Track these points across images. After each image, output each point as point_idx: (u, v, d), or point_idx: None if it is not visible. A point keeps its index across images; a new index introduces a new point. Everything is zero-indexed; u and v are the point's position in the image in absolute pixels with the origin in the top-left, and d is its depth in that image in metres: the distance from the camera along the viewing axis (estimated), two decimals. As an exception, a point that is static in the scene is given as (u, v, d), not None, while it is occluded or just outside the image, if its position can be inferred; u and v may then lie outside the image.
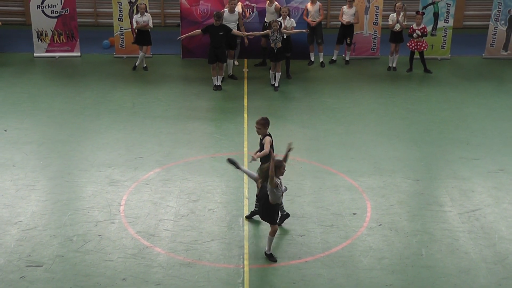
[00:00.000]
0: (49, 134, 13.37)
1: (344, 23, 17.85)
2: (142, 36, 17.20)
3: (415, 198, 11.08)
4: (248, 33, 16.36)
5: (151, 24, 17.15)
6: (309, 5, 17.78)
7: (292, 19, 16.70)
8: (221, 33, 15.63)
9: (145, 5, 17.29)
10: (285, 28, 16.07)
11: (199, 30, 15.97)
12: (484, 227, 10.15)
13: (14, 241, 9.60)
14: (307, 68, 17.95)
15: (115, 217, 10.28)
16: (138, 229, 9.99)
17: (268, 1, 17.42)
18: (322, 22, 18.26)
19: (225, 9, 16.71)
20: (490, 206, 10.77)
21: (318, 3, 17.80)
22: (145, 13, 17.07)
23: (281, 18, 16.44)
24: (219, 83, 16.11)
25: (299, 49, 17.93)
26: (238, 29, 16.69)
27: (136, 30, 17.28)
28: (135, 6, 17.84)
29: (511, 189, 11.35)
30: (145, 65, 17.51)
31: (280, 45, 15.59)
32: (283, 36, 15.75)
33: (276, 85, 16.07)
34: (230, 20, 16.42)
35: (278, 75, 16.03)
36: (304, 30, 16.64)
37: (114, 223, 10.11)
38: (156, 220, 10.23)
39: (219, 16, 15.60)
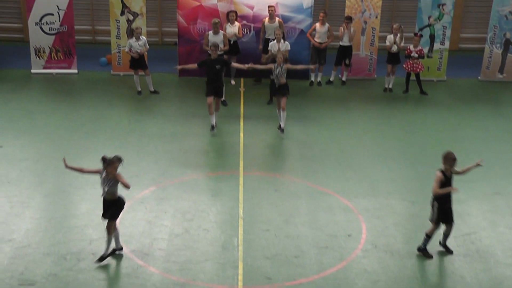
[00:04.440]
0: (45, 151, 13.34)
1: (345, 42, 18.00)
2: (139, 60, 16.87)
3: (411, 220, 11.06)
4: (248, 65, 14.86)
5: (147, 46, 17.05)
6: (318, 25, 17.85)
7: (286, 42, 16.64)
8: (217, 67, 14.47)
9: (141, 29, 17.18)
10: (279, 51, 15.97)
11: (195, 64, 14.76)
12: (480, 251, 10.12)
13: (7, 259, 9.54)
14: (304, 88, 17.99)
15: (109, 236, 10.23)
16: (132, 247, 9.94)
17: (267, 18, 17.50)
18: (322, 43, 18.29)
19: (209, 32, 16.77)
20: (486, 229, 10.75)
21: (327, 24, 17.88)
22: (141, 37, 16.91)
23: (275, 41, 16.46)
24: (215, 123, 14.51)
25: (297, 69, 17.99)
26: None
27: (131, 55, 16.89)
28: (131, 30, 17.72)
29: (507, 212, 11.35)
30: (152, 89, 17.19)
31: (284, 81, 14.36)
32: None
33: (282, 125, 14.42)
34: (214, 41, 16.38)
35: (284, 114, 14.36)
36: (311, 67, 16.42)
37: (108, 242, 10.05)
38: (151, 239, 10.18)
39: (216, 46, 14.62)
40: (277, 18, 17.56)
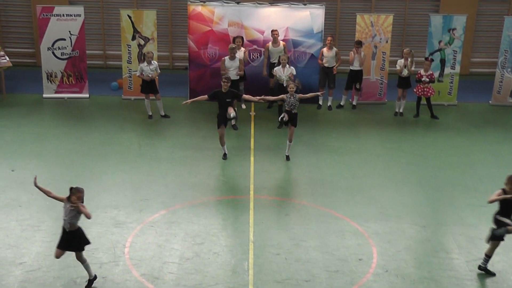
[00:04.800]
0: (56, 175, 13.38)
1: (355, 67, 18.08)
2: (150, 85, 17.01)
3: (422, 245, 10.98)
4: (260, 98, 14.65)
5: (158, 70, 17.14)
6: (325, 50, 17.95)
7: (291, 67, 16.60)
8: (228, 100, 14.18)
9: (153, 53, 17.28)
10: (291, 81, 15.99)
11: (205, 96, 14.37)
12: (492, 276, 10.02)
13: (17, 283, 9.53)
14: (315, 112, 18.01)
15: (120, 259, 10.22)
16: (143, 271, 9.91)
17: (271, 42, 17.58)
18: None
19: (225, 57, 16.85)
20: (498, 254, 10.64)
21: (334, 48, 17.99)
22: (152, 61, 17.04)
23: (280, 66, 16.46)
24: (227, 151, 14.56)
25: (307, 93, 18.00)
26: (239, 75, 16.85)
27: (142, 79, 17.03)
28: (142, 55, 17.85)
29: (519, 236, 11.25)
30: (163, 113, 17.26)
31: (296, 111, 14.26)
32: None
33: (287, 153, 14.55)
34: (231, 67, 16.63)
35: (289, 144, 14.48)
36: (319, 94, 16.33)
37: (118, 265, 10.04)
38: (161, 263, 10.16)
39: (228, 79, 14.28)
40: (281, 42, 17.65)
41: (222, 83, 14.20)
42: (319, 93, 16.36)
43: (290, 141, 14.43)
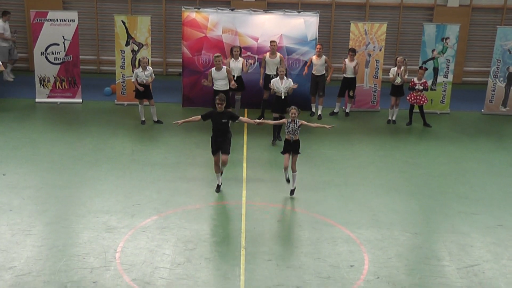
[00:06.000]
0: (48, 180, 13.34)
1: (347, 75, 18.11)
2: (144, 90, 16.92)
3: (413, 252, 10.99)
4: (259, 121, 13.62)
5: (153, 76, 17.09)
6: (314, 58, 17.95)
7: (289, 79, 15.89)
8: (224, 120, 12.98)
9: (148, 59, 17.23)
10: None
11: (199, 116, 13.23)
12: (483, 283, 10.03)
13: (7, 287, 9.48)
14: (308, 119, 17.97)
15: (111, 264, 10.19)
16: (134, 276, 9.88)
17: (269, 53, 17.47)
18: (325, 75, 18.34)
19: (212, 68, 16.40)
20: (489, 261, 10.68)
21: (324, 56, 18.01)
22: (147, 67, 16.98)
23: (278, 78, 15.78)
24: (221, 182, 13.24)
25: (299, 100, 18.04)
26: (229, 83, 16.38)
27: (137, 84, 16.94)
28: (137, 60, 17.83)
29: (510, 245, 11.28)
30: (156, 119, 17.27)
31: (298, 137, 12.96)
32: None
33: (292, 187, 13.09)
34: (218, 77, 16.22)
35: (294, 175, 13.03)
36: (328, 127, 13.64)
37: (109, 270, 10.01)
38: (152, 268, 10.13)
39: (223, 99, 12.88)
40: (278, 54, 17.48)
41: (216, 104, 12.95)
42: (326, 126, 13.67)
43: (294, 171, 13.03)
